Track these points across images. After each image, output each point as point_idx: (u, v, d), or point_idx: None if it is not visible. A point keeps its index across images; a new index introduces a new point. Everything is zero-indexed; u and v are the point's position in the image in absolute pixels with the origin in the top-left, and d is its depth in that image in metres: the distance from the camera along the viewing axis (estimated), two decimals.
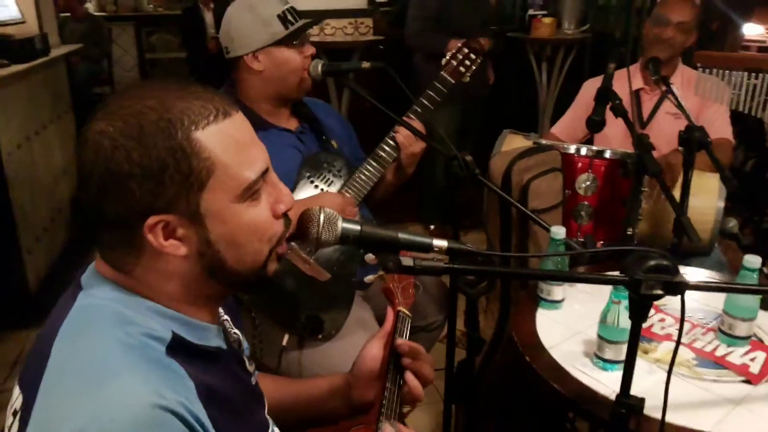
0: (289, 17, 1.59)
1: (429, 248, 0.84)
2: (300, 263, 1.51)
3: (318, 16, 3.99)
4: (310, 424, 1.08)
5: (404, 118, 1.63)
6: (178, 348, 0.72)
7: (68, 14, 5.78)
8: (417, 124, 1.65)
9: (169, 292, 0.76)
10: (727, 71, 1.99)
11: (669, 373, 0.94)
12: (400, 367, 1.03)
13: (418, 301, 1.71)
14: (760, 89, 1.94)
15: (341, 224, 0.82)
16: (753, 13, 6.55)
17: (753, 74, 1.94)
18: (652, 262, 0.89)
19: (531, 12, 4.53)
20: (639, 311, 0.91)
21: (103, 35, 6.08)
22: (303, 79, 1.63)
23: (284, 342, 1.50)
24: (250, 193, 0.76)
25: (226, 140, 0.73)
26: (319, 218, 0.81)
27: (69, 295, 0.76)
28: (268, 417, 0.90)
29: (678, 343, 0.94)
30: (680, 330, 0.94)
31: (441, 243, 0.83)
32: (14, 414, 0.72)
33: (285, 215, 0.81)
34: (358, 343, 1.13)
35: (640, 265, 0.89)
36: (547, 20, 4.22)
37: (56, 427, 0.64)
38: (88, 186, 0.71)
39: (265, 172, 0.78)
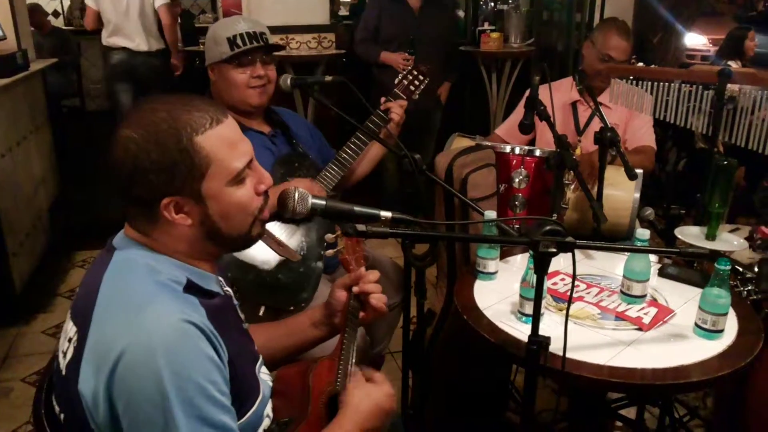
0: (238, 41, 1.76)
1: (377, 218, 1.10)
2: (274, 246, 1.76)
3: (283, 32, 4.29)
4: (295, 353, 1.36)
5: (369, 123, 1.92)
6: (191, 288, 0.98)
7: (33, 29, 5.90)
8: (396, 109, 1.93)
9: (179, 250, 1.01)
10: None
11: (567, 311, 1.22)
12: (355, 319, 1.30)
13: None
14: (693, 96, 2.09)
15: (311, 200, 1.08)
16: (695, 24, 6.97)
17: (686, 84, 2.13)
18: (548, 228, 1.17)
19: (480, 27, 4.87)
20: (540, 265, 1.18)
21: (72, 49, 6.21)
22: (247, 95, 1.82)
23: (261, 313, 1.75)
24: (239, 179, 1.01)
25: (219, 141, 0.99)
26: (295, 195, 1.07)
27: (104, 254, 1.01)
28: (257, 351, 1.16)
29: (572, 290, 1.21)
30: (573, 281, 1.21)
31: (386, 213, 1.10)
32: (69, 340, 0.97)
33: (265, 192, 1.06)
34: None
35: (539, 230, 1.17)
36: (495, 35, 4.53)
37: (111, 345, 0.89)
38: (118, 176, 0.96)
39: (251, 161, 1.04)
